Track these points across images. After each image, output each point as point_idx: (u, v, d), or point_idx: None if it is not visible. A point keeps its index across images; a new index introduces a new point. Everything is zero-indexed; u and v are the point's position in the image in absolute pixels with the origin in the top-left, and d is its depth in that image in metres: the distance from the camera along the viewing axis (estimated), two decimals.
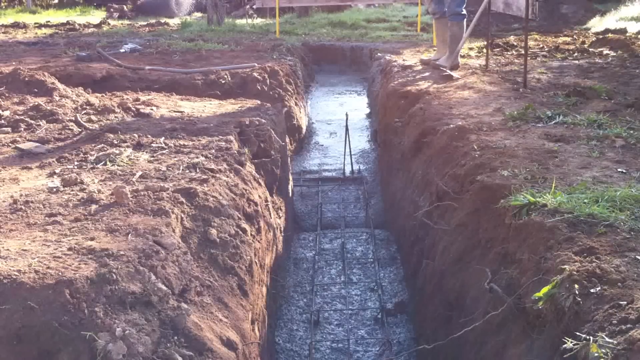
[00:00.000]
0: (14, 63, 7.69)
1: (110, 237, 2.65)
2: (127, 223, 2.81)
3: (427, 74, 7.13)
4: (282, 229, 5.17)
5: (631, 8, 12.04)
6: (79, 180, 3.36)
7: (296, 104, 7.87)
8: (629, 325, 1.99)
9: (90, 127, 4.59)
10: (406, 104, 6.09)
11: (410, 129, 5.58)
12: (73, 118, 4.79)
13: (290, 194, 6.19)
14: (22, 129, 4.52)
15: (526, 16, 6.84)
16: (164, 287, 2.47)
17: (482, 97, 5.71)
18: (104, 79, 6.86)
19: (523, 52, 6.55)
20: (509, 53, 8.51)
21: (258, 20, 15.67)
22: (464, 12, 7.17)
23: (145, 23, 15.31)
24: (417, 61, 8.03)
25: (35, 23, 15.08)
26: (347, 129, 7.02)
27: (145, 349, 2.17)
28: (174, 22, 15.64)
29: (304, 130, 8.10)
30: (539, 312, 2.43)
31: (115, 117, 5.01)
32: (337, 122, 8.68)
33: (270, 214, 4.56)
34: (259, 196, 4.22)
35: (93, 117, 4.92)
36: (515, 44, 9.08)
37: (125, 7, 19.59)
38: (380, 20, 14.87)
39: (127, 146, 4.08)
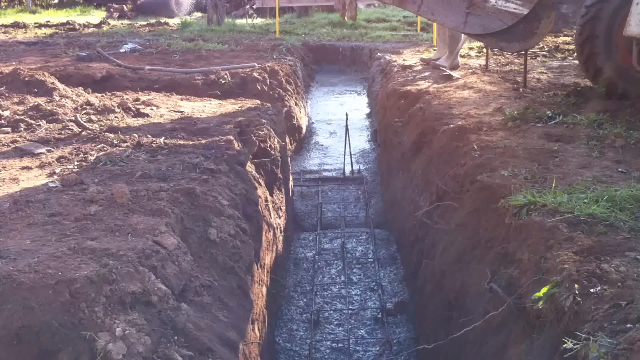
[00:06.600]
0: (14, 63, 7.70)
1: (110, 237, 2.65)
2: (127, 223, 2.81)
3: (427, 73, 7.13)
4: (282, 228, 5.17)
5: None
6: (79, 180, 3.36)
7: (296, 104, 7.87)
8: (629, 325, 1.99)
9: (90, 127, 4.59)
10: (406, 103, 6.09)
11: (410, 128, 5.58)
12: (73, 118, 4.79)
13: (290, 194, 6.19)
14: (22, 129, 4.52)
15: None
16: (163, 287, 2.47)
17: (482, 97, 5.71)
18: (104, 79, 6.87)
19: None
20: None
21: (258, 20, 15.67)
22: None
23: (145, 23, 15.31)
24: (417, 61, 8.03)
25: (35, 23, 15.09)
26: (347, 129, 7.02)
27: (145, 348, 2.17)
28: (174, 22, 15.64)
29: (304, 130, 8.10)
30: (539, 312, 2.43)
31: (115, 117, 5.01)
32: (337, 122, 8.68)
33: (270, 213, 4.56)
34: (259, 196, 4.22)
35: (93, 117, 4.92)
36: None
37: (125, 7, 19.59)
38: (380, 20, 14.88)
39: (127, 146, 4.08)
